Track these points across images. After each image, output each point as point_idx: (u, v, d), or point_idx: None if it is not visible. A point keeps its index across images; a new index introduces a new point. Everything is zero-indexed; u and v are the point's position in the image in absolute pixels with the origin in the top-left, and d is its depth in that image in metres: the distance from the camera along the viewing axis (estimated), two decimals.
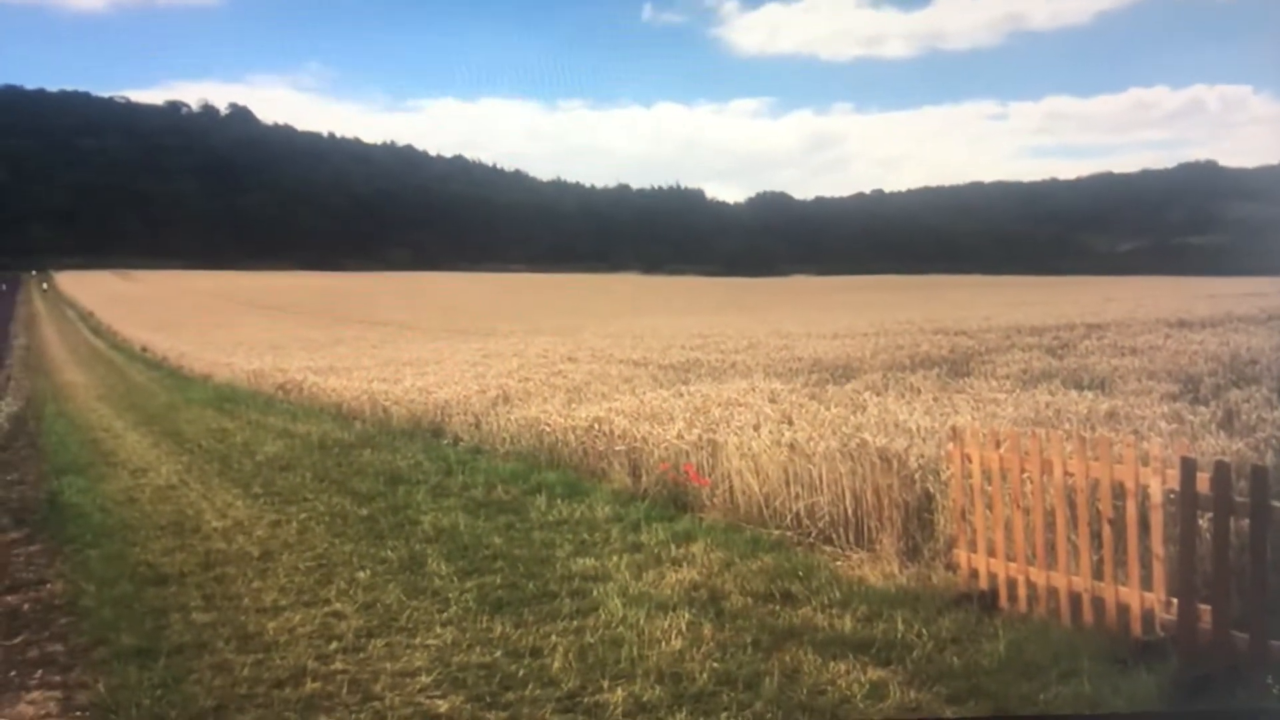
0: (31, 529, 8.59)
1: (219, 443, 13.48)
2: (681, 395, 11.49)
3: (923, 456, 6.89)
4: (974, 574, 5.98)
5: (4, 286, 65.68)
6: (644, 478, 8.95)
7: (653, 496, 8.59)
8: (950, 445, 6.21)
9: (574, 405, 11.66)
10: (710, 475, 8.32)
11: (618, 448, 9.50)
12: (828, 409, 9.32)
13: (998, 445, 5.89)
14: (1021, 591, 5.71)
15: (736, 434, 8.40)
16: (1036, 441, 5.65)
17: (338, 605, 6.18)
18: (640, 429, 9.43)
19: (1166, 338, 16.67)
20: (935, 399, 10.20)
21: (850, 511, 7.12)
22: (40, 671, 5.33)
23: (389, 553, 7.34)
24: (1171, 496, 4.99)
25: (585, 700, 4.67)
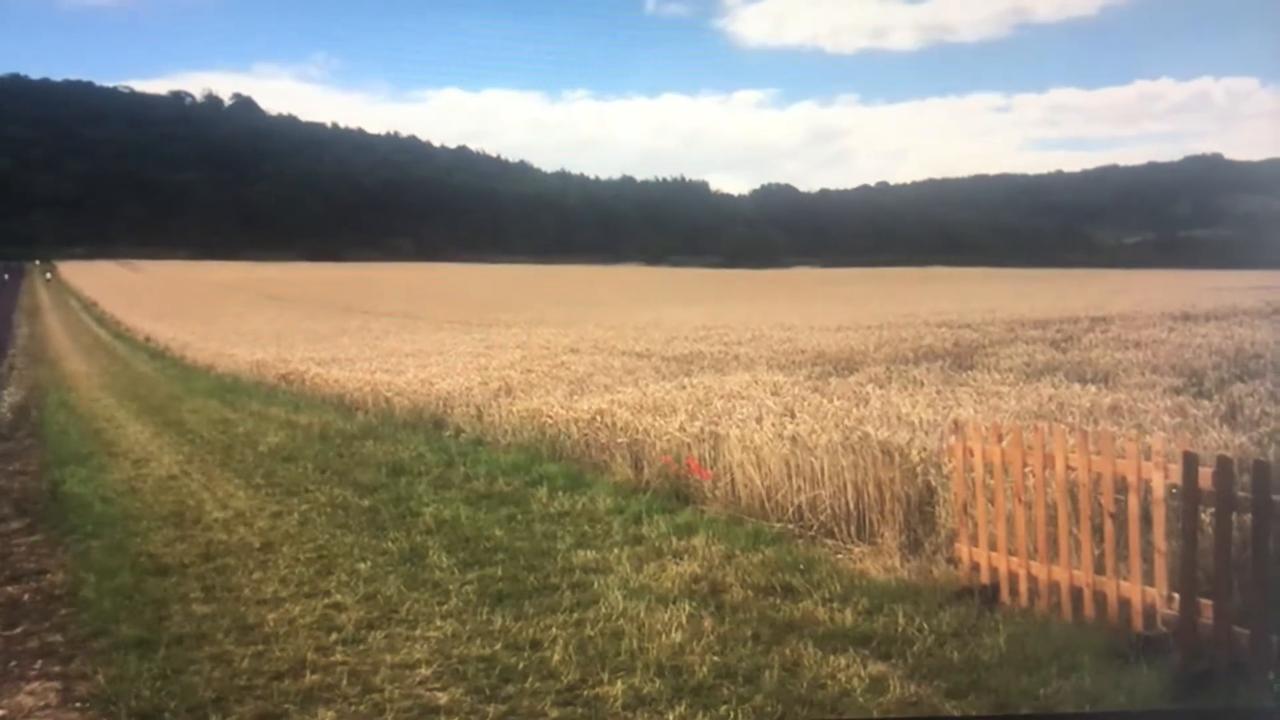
0: (33, 519, 8.60)
1: (221, 433, 13.48)
2: (684, 387, 11.48)
3: (925, 450, 6.87)
4: (975, 568, 5.97)
5: (7, 276, 65.67)
6: (646, 470, 8.93)
7: (654, 489, 8.59)
8: (952, 439, 6.20)
9: (576, 397, 11.64)
10: (712, 468, 8.31)
11: (620, 440, 9.49)
12: (830, 402, 9.31)
13: (1000, 439, 5.88)
14: (1023, 586, 5.70)
15: (739, 427, 8.38)
16: (1039, 435, 5.63)
17: (338, 597, 6.20)
18: (642, 421, 9.42)
19: (1170, 331, 16.59)
20: (938, 392, 10.17)
21: (852, 505, 7.12)
22: (40, 662, 5.34)
23: (390, 544, 7.35)
24: (1174, 491, 4.98)
25: (585, 693, 4.67)
